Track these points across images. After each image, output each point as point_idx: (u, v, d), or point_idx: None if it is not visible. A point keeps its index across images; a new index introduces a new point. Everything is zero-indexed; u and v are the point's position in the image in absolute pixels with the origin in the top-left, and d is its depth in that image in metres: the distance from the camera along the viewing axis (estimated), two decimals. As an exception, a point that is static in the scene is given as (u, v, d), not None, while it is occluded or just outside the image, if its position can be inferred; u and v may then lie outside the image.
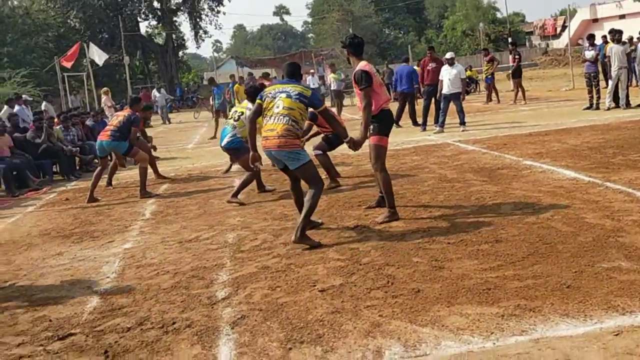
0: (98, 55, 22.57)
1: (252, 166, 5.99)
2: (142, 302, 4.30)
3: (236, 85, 19.66)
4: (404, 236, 5.25)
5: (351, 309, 3.76)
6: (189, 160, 12.46)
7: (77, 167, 12.28)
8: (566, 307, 3.47)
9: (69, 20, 44.29)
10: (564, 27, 50.21)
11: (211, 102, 19.34)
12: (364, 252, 4.90)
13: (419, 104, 14.24)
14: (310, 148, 7.52)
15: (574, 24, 43.48)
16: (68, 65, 22.15)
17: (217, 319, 3.85)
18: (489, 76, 19.22)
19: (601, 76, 14.87)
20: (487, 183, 7.06)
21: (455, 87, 12.68)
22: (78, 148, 12.19)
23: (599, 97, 14.06)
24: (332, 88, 19.55)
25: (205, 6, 51.25)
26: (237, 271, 4.77)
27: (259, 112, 5.57)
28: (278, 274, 4.58)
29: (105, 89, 21.90)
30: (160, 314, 4.02)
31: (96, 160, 12.32)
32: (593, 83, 14.13)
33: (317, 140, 8.27)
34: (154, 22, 51.30)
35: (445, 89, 12.71)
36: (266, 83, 15.03)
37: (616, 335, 3.10)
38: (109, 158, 9.44)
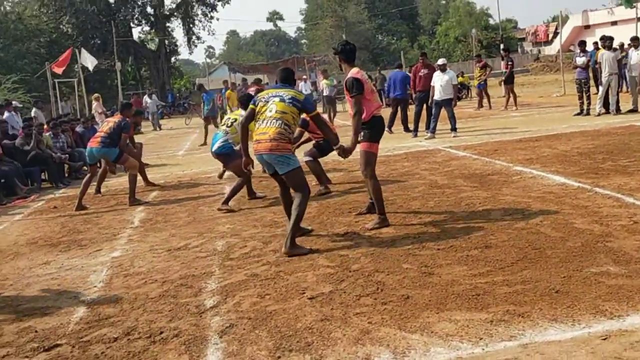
0: (90, 61, 22.52)
1: (245, 170, 5.97)
2: (129, 311, 4.26)
3: (228, 91, 19.64)
4: (394, 242, 5.23)
5: (340, 316, 3.74)
6: (179, 167, 12.41)
7: (66, 175, 12.18)
8: (555, 312, 3.47)
9: (61, 26, 44.18)
10: (555, 34, 50.48)
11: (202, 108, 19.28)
12: (353, 259, 4.88)
13: (411, 110, 14.26)
14: (301, 154, 7.51)
15: (565, 31, 43.75)
16: (59, 71, 22.07)
17: (206, 328, 3.82)
18: (482, 82, 19.30)
19: (592, 82, 14.95)
20: (478, 189, 7.07)
21: (447, 93, 12.72)
22: (67, 155, 12.10)
23: (589, 103, 14.14)
24: (324, 94, 19.55)
25: (199, 12, 51.37)
26: (226, 279, 4.74)
27: (251, 117, 5.56)
28: (267, 282, 4.56)
29: (96, 95, 21.83)
30: (148, 323, 3.98)
31: (85, 168, 12.27)
32: (584, 89, 14.20)
33: (309, 147, 8.25)
34: (146, 28, 51.34)
35: (437, 95, 12.74)
36: (253, 89, 15.06)
37: (604, 339, 3.10)
38: (99, 165, 9.38)
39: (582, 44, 15.05)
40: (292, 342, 3.45)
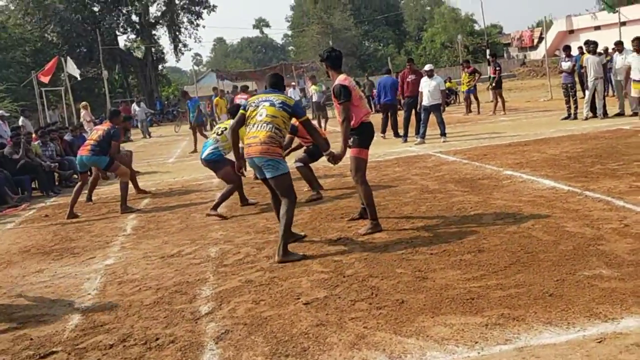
0: (73, 69, 22.40)
1: (238, 174, 5.98)
2: (124, 318, 4.25)
3: (216, 98, 19.62)
4: (387, 247, 5.26)
5: (336, 322, 3.75)
6: (170, 175, 12.38)
7: (57, 183, 12.12)
8: (549, 316, 3.50)
9: (46, 35, 43.94)
10: (540, 39, 51.01)
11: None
12: (347, 264, 4.90)
13: (400, 116, 14.34)
14: (292, 161, 7.52)
15: (550, 36, 44.22)
16: (45, 80, 21.94)
17: (201, 334, 3.82)
18: (472, 88, 19.43)
19: (578, 87, 15.11)
20: (469, 193, 7.12)
21: (435, 99, 12.82)
22: (57, 164, 12.04)
23: (576, 107, 14.28)
24: (313, 100, 19.59)
25: (185, 19, 51.28)
26: (221, 285, 4.74)
27: (241, 122, 5.59)
28: (262, 288, 4.56)
29: (84, 103, 21.73)
30: (143, 330, 3.98)
31: (75, 176, 12.21)
32: (570, 93, 14.35)
33: (299, 154, 8.27)
34: (132, 36, 51.15)
35: (425, 101, 12.83)
36: (244, 97, 15.07)
37: (599, 342, 3.13)
38: (89, 173, 9.34)
39: (567, 48, 15.22)
40: (288, 348, 3.46)
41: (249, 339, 3.64)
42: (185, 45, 52.67)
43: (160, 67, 53.29)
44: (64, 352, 3.77)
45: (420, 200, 7.07)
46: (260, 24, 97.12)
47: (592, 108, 14.02)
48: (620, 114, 13.78)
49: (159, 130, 30.66)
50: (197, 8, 50.78)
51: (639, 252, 4.41)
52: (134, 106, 28.61)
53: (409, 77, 13.89)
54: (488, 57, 25.36)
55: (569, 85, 14.43)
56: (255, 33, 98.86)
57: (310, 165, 8.18)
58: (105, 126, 8.87)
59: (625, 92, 13.15)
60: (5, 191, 10.28)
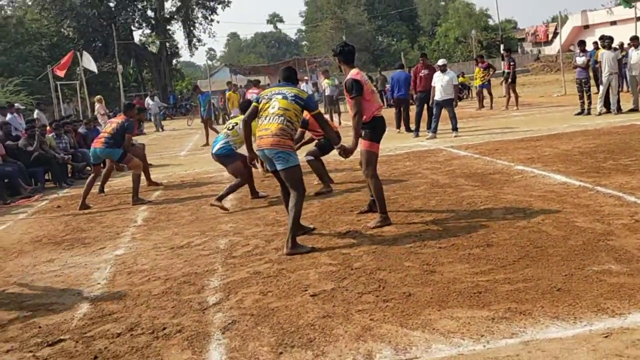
0: (89, 64, 22.54)
1: (250, 165, 5.98)
2: (132, 308, 4.28)
3: (229, 92, 19.66)
4: (396, 241, 5.25)
5: (342, 313, 3.76)
6: (182, 167, 12.44)
7: (70, 175, 12.24)
8: (556, 310, 3.48)
9: (62, 29, 44.31)
10: (555, 34, 50.50)
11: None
12: (355, 257, 4.90)
13: (412, 110, 14.31)
14: (303, 154, 7.52)
15: (565, 31, 43.75)
16: (61, 74, 22.10)
17: (208, 324, 3.84)
18: (486, 83, 19.32)
19: (592, 82, 14.96)
20: (479, 188, 7.08)
21: (448, 94, 12.76)
22: (70, 156, 12.16)
23: (590, 103, 14.15)
24: (326, 93, 19.52)
25: (199, 15, 51.40)
26: (229, 277, 4.76)
27: (254, 114, 5.60)
28: (269, 279, 4.58)
29: (98, 97, 21.87)
30: (151, 319, 4.01)
31: (88, 168, 12.31)
32: (584, 89, 14.21)
33: (310, 147, 8.27)
34: (147, 31, 51.36)
35: (438, 96, 12.78)
36: (255, 91, 15.12)
37: (606, 337, 3.11)
38: (102, 165, 9.42)
39: (582, 43, 15.07)
40: (294, 339, 3.47)
41: (255, 330, 3.66)
42: (199, 40, 52.72)
43: (174, 61, 53.52)
44: (71, 340, 3.80)
45: (430, 194, 7.05)
46: (274, 19, 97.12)
47: (606, 103, 13.89)
48: (634, 110, 13.64)
49: (172, 123, 30.79)
50: (211, 3, 50.88)
51: (650, 247, 4.37)
52: (148, 100, 28.73)
53: (422, 71, 13.84)
54: (502, 52, 25.17)
55: (583, 80, 14.30)
56: (269, 28, 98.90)
57: (322, 158, 8.17)
58: (119, 119, 8.94)
59: (640, 87, 13.05)
60: (18, 182, 10.40)
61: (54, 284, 5.09)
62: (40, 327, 4.09)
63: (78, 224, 7.62)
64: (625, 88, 17.11)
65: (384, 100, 23.47)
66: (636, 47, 13.72)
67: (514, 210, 5.84)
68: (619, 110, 13.68)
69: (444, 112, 12.82)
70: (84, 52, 23.62)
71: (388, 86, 21.13)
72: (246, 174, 7.54)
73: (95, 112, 20.82)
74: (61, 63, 22.33)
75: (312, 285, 4.33)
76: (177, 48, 52.77)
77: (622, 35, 22.30)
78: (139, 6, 48.73)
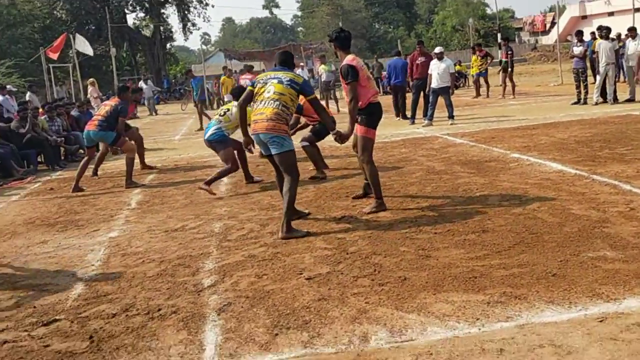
0: (82, 47, 22.34)
1: (246, 150, 5.93)
2: (127, 289, 4.27)
3: (223, 77, 19.57)
4: (391, 226, 5.25)
5: (338, 296, 3.76)
6: (176, 151, 12.39)
7: (62, 158, 12.16)
8: (551, 295, 3.49)
9: (55, 12, 43.83)
10: (553, 24, 50.49)
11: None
12: (351, 242, 4.90)
13: (409, 98, 14.28)
14: (298, 140, 7.49)
15: (563, 21, 43.78)
16: (54, 56, 21.93)
17: (203, 305, 3.83)
18: (483, 71, 19.28)
19: (589, 72, 14.95)
20: (475, 175, 7.08)
21: (444, 81, 12.72)
22: (63, 138, 12.08)
23: (586, 92, 14.14)
24: (323, 79, 19.42)
25: (194, -2, 50.97)
26: (224, 259, 4.75)
27: (249, 98, 5.56)
28: (265, 262, 4.57)
29: (91, 80, 21.72)
30: (146, 300, 4.00)
31: (81, 151, 12.24)
32: (581, 78, 14.20)
33: (305, 133, 8.24)
34: (141, 14, 50.91)
35: (434, 83, 12.74)
36: (248, 77, 15.06)
37: (600, 321, 3.12)
38: (96, 148, 9.35)
39: (579, 33, 15.05)
40: (290, 320, 3.47)
41: (250, 312, 3.65)
42: (194, 25, 52.69)
43: (168, 45, 53.19)
44: (66, 320, 3.79)
45: (426, 180, 7.04)
46: (270, 4, 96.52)
47: (603, 93, 13.90)
48: (631, 100, 13.65)
49: (165, 108, 30.62)
50: (206, -13, 50.44)
51: (645, 235, 4.38)
52: (141, 84, 28.49)
53: (419, 59, 13.79)
54: (499, 40, 25.10)
55: (580, 70, 14.28)
56: (265, 13, 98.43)
57: (317, 144, 8.14)
58: (113, 102, 8.89)
59: (637, 78, 13.04)
60: (11, 164, 10.32)
61: (47, 265, 5.07)
62: (34, 307, 4.07)
63: (71, 206, 7.58)
64: (622, 78, 17.12)
65: (380, 87, 23.39)
66: (633, 38, 13.71)
67: (509, 197, 5.85)
68: (615, 100, 13.69)
69: (440, 100, 12.79)
70: (78, 35, 23.42)
71: (384, 73, 21.06)
72: (236, 161, 7.50)
73: (88, 95, 20.68)
74: (54, 45, 22.15)
75: (307, 269, 4.32)
76: (172, 32, 52.42)
77: (619, 26, 22.27)
78: (133, -11, 48.31)
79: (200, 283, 4.26)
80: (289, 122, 5.52)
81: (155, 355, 3.21)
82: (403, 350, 3.03)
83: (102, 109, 8.91)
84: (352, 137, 5.88)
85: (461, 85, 25.20)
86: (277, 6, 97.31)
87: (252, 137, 5.52)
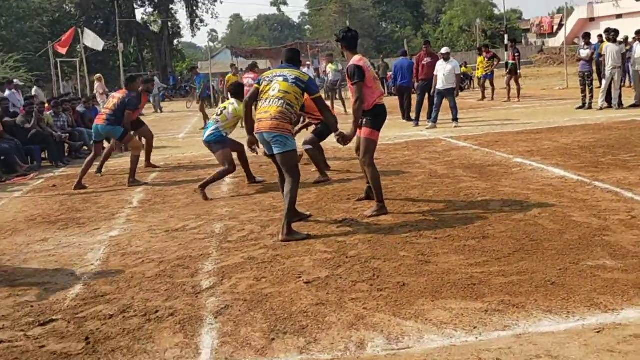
0: (92, 41, 22.35)
1: (250, 150, 5.91)
2: (125, 290, 4.27)
3: (229, 75, 19.57)
4: (392, 230, 5.24)
5: (336, 301, 3.75)
6: (180, 150, 12.41)
7: (66, 154, 12.19)
8: (549, 304, 3.48)
9: (64, 5, 43.94)
10: (560, 26, 50.34)
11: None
12: (351, 245, 4.89)
13: (414, 99, 14.25)
14: (300, 142, 7.48)
15: (570, 23, 43.65)
16: (62, 51, 21.95)
17: (201, 308, 3.83)
18: (489, 73, 19.22)
19: (595, 76, 14.88)
20: (477, 179, 7.06)
21: (450, 83, 12.68)
22: (68, 134, 12.08)
23: (592, 97, 14.09)
24: (329, 78, 19.38)
25: (203, -6, 51.09)
26: (223, 261, 4.75)
27: (255, 96, 5.54)
28: (264, 265, 4.57)
29: (98, 75, 21.73)
30: (144, 302, 4.00)
31: (85, 148, 12.26)
32: (587, 82, 14.14)
33: (307, 135, 8.21)
34: (150, 9, 51.02)
35: (440, 85, 12.70)
36: (251, 75, 15.06)
37: (598, 332, 3.11)
38: (103, 144, 9.32)
39: (587, 36, 14.98)
40: (287, 325, 3.47)
41: (248, 315, 3.65)
42: (202, 21, 52.87)
43: (175, 42, 53.28)
44: (63, 320, 3.79)
45: (427, 184, 7.03)
46: (278, 1, 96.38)
47: (608, 98, 13.83)
48: (636, 105, 13.60)
49: (170, 105, 30.68)
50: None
51: (645, 244, 4.36)
52: (149, 79, 28.56)
53: (425, 59, 13.73)
54: (506, 42, 25.01)
55: (586, 73, 14.22)
56: (273, 11, 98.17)
57: (320, 145, 8.11)
58: (120, 94, 8.81)
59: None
60: (15, 160, 10.34)
61: (47, 263, 5.08)
62: (32, 306, 4.07)
63: (73, 203, 7.59)
64: (627, 83, 17.04)
65: (386, 88, 23.35)
66: (641, 42, 13.65)
67: (511, 203, 5.83)
68: (620, 105, 13.63)
69: (445, 102, 12.76)
70: (87, 30, 23.42)
71: (390, 74, 21.02)
72: (233, 162, 7.45)
73: (95, 91, 20.71)
74: (62, 40, 22.19)
75: (306, 272, 4.32)
76: (179, 28, 52.58)
77: (627, 28, 22.16)
78: (142, -16, 48.45)
79: (198, 285, 4.26)
80: (292, 121, 5.52)
81: (150, 359, 3.21)
82: (399, 358, 3.02)
83: (110, 101, 8.83)
84: (354, 140, 5.87)
85: (466, 87, 25.15)
86: (285, 3, 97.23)
87: (256, 136, 5.49)
